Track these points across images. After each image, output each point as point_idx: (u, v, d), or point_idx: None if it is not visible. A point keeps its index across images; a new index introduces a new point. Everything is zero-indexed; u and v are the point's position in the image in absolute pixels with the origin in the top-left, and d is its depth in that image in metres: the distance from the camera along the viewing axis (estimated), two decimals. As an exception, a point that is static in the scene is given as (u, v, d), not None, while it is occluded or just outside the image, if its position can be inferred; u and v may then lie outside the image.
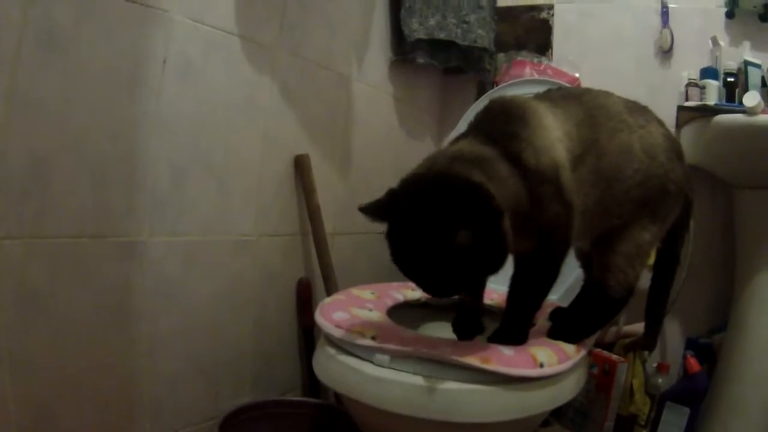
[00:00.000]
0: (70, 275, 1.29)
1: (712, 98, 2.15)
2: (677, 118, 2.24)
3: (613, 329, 2.11)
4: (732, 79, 2.17)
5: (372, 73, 2.25)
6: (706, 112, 2.01)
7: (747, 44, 2.22)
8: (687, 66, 2.30)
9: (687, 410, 1.93)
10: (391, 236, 1.16)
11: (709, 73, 2.21)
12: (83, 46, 1.27)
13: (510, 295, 1.37)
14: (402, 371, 1.21)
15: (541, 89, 1.52)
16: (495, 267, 1.16)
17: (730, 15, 2.29)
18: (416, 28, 2.23)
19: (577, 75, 2.43)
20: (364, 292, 1.66)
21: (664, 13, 2.36)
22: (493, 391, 1.20)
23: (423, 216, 1.11)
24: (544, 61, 2.52)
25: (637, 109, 1.47)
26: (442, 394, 1.19)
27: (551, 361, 1.27)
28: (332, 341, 1.36)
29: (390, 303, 1.61)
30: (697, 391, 1.97)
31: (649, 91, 2.29)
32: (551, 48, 2.56)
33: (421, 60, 2.31)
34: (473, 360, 1.20)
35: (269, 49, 1.74)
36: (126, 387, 1.45)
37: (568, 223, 1.29)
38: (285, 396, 1.91)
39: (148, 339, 1.48)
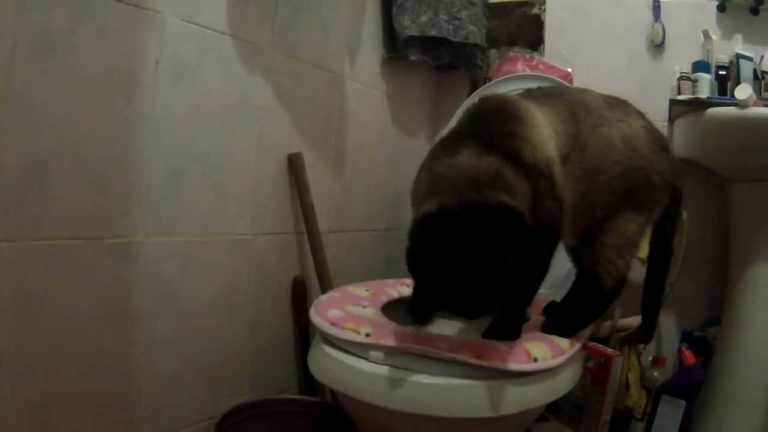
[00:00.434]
0: (67, 277, 1.30)
1: (704, 92, 2.15)
2: (670, 111, 2.25)
3: (608, 323, 2.11)
4: (724, 73, 2.18)
5: (364, 71, 2.25)
6: (698, 105, 2.02)
7: (739, 37, 2.22)
8: (679, 60, 2.31)
9: (683, 403, 1.94)
10: (429, 268, 1.13)
11: (701, 66, 2.22)
12: (78, 49, 1.28)
13: None
14: (397, 367, 1.22)
15: (533, 85, 1.53)
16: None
17: (721, 8, 2.30)
18: (408, 26, 2.23)
19: (569, 70, 2.43)
20: (359, 290, 1.66)
21: (656, 7, 2.36)
22: (488, 386, 1.21)
23: (470, 249, 1.09)
24: (537, 56, 2.52)
25: (617, 103, 1.47)
26: (437, 390, 1.20)
27: (545, 355, 1.27)
28: (327, 339, 1.36)
29: (385, 300, 1.62)
30: (692, 384, 1.97)
31: (641, 85, 2.30)
32: (543, 43, 2.56)
33: (413, 57, 2.31)
34: (467, 356, 1.20)
35: (262, 49, 1.75)
36: (124, 388, 1.45)
37: (560, 218, 1.29)
38: (282, 394, 1.91)
39: (146, 340, 1.48)
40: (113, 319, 1.41)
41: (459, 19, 2.31)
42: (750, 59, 2.15)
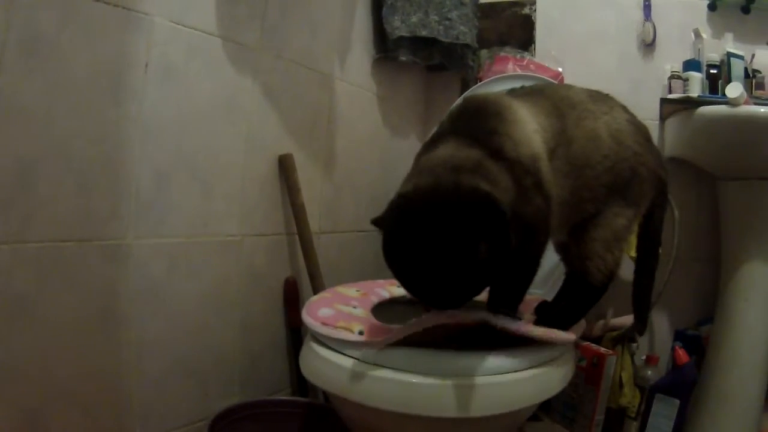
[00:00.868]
0: (56, 280, 1.29)
1: (695, 90, 2.16)
2: (661, 110, 2.26)
3: (601, 322, 2.11)
4: (715, 71, 2.19)
5: (355, 71, 2.25)
6: (689, 104, 2.02)
7: (729, 36, 2.23)
8: (670, 59, 2.32)
9: (677, 402, 1.94)
10: (398, 251, 1.13)
11: (692, 65, 2.22)
12: (66, 51, 1.27)
13: (492, 290, 1.37)
14: (387, 368, 1.22)
15: (525, 84, 1.53)
16: (504, 271, 1.17)
17: (712, 7, 2.30)
18: (398, 26, 2.23)
19: (560, 70, 2.43)
20: (350, 290, 1.66)
21: (647, 7, 2.37)
22: (480, 385, 1.21)
23: (439, 231, 1.08)
24: (527, 56, 2.53)
25: (600, 97, 1.48)
26: (428, 390, 1.19)
27: (540, 332, 1.28)
28: (318, 339, 1.36)
29: (375, 300, 1.62)
30: (686, 383, 1.98)
31: (632, 84, 2.31)
32: (534, 43, 2.56)
33: (403, 58, 2.31)
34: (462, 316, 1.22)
35: (251, 50, 1.74)
36: (114, 391, 1.45)
37: (548, 215, 1.29)
38: (274, 396, 1.91)
39: (135, 341, 1.48)
40: (103, 321, 1.40)
41: (449, 19, 2.31)
42: (741, 58, 2.16)
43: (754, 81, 2.15)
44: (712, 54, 2.20)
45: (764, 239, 1.97)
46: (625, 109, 1.49)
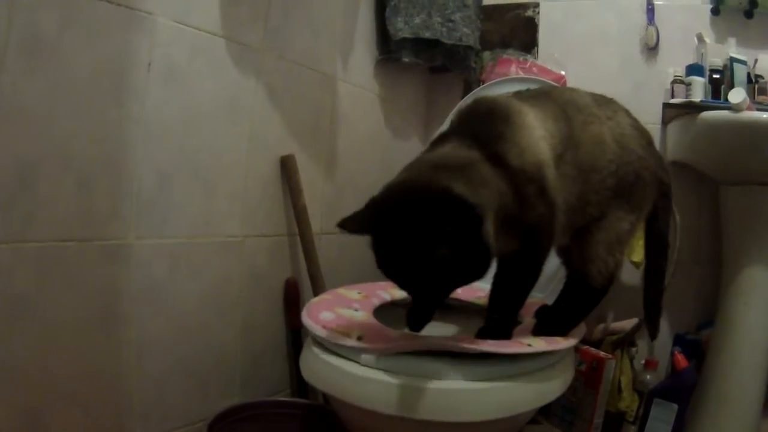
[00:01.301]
0: (57, 279, 1.29)
1: (697, 95, 2.15)
2: (663, 114, 2.26)
3: (601, 326, 2.11)
4: (717, 76, 2.18)
5: (357, 72, 2.25)
6: (691, 108, 2.02)
7: (732, 41, 2.23)
8: (672, 63, 2.31)
9: (675, 406, 1.93)
10: (375, 247, 1.16)
11: (694, 69, 2.21)
12: (68, 51, 1.27)
13: (493, 294, 1.38)
14: (388, 371, 1.22)
15: (527, 87, 1.53)
16: (479, 273, 1.15)
17: (715, 12, 2.30)
18: (401, 27, 2.23)
19: (562, 73, 2.43)
20: (351, 292, 1.66)
21: (650, 10, 2.36)
22: (480, 389, 1.21)
23: (404, 228, 1.10)
24: (530, 59, 2.52)
25: (604, 101, 1.49)
26: (428, 394, 1.19)
27: (539, 343, 1.28)
28: (319, 342, 1.36)
29: (376, 302, 1.62)
30: (685, 387, 1.97)
31: (634, 88, 2.30)
32: (537, 46, 2.56)
33: (406, 59, 2.31)
34: (462, 343, 1.21)
35: (254, 50, 1.74)
36: (114, 391, 1.45)
37: (551, 222, 1.30)
38: (273, 396, 1.91)
39: (136, 342, 1.48)
40: (103, 321, 1.40)
41: (452, 21, 2.31)
42: (744, 63, 2.15)
43: (756, 86, 2.14)
44: (715, 58, 2.19)
45: (765, 243, 1.96)
46: (628, 113, 1.49)
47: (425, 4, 2.26)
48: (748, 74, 2.16)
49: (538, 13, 2.56)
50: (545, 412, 1.94)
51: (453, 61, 2.47)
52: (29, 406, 1.25)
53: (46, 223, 1.26)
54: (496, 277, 1.37)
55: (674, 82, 2.24)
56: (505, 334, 1.35)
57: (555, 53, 2.51)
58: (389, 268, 1.15)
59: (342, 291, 1.67)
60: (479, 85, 2.40)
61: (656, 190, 1.49)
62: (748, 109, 1.80)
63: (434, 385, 1.20)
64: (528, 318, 1.53)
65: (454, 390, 1.20)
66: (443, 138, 1.34)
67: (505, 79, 2.22)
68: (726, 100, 1.87)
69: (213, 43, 1.62)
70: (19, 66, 1.18)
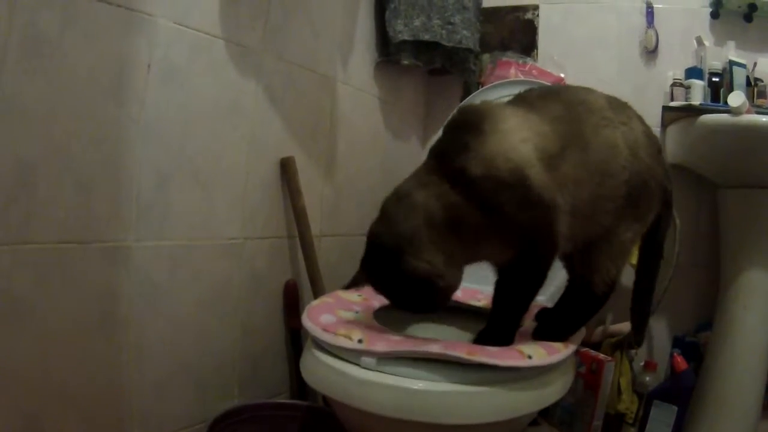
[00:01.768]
0: (56, 281, 1.29)
1: (697, 98, 2.15)
2: (662, 117, 2.25)
3: (600, 328, 2.11)
4: (717, 79, 2.18)
5: (357, 74, 2.25)
6: (691, 112, 2.02)
7: (732, 44, 2.23)
8: (672, 66, 2.31)
9: (674, 408, 1.93)
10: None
11: (694, 72, 2.21)
12: (68, 51, 1.27)
13: (495, 300, 1.37)
14: (388, 374, 1.22)
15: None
16: (432, 295, 1.31)
17: (714, 15, 2.30)
18: (401, 30, 2.23)
19: (562, 75, 2.43)
20: (351, 295, 1.65)
21: (649, 13, 2.36)
22: (480, 392, 1.21)
23: (373, 275, 1.36)
24: (529, 61, 2.52)
25: (619, 105, 1.47)
26: (429, 396, 1.19)
27: (539, 354, 1.27)
28: (319, 344, 1.36)
29: (377, 305, 1.61)
30: (684, 389, 1.97)
31: (634, 91, 2.30)
32: (536, 48, 2.56)
33: (405, 61, 2.31)
34: (459, 352, 1.20)
35: (253, 52, 1.74)
36: (113, 394, 1.44)
37: (551, 224, 1.28)
38: (273, 399, 1.90)
39: (135, 344, 1.47)
40: (102, 324, 1.40)
41: (452, 23, 2.31)
42: (743, 66, 2.15)
43: (755, 89, 2.14)
44: (715, 62, 2.19)
45: (764, 246, 1.97)
46: (641, 120, 1.47)
47: (425, 6, 2.27)
48: (748, 77, 2.15)
49: (538, 15, 2.56)
50: (545, 413, 1.94)
51: (452, 64, 2.47)
52: (28, 409, 1.25)
53: (46, 225, 1.26)
54: (498, 283, 1.37)
55: (673, 85, 2.24)
56: (506, 341, 1.34)
57: (554, 56, 2.51)
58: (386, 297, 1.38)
59: (342, 293, 1.67)
60: (478, 88, 2.40)
61: (660, 200, 1.47)
62: (748, 112, 1.80)
63: (434, 387, 1.20)
64: (528, 321, 1.53)
65: (454, 393, 1.20)
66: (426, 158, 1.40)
67: (504, 82, 2.21)
68: (725, 103, 1.87)
69: (213, 45, 1.62)
70: (19, 66, 1.18)
